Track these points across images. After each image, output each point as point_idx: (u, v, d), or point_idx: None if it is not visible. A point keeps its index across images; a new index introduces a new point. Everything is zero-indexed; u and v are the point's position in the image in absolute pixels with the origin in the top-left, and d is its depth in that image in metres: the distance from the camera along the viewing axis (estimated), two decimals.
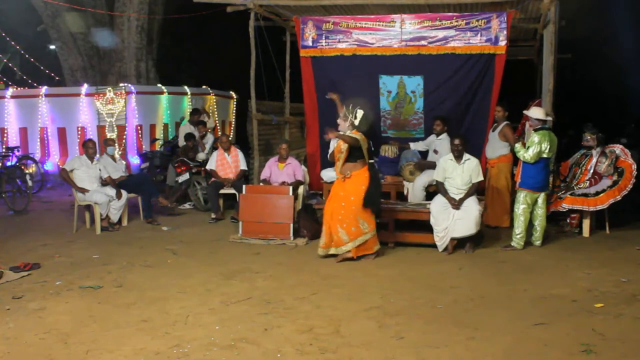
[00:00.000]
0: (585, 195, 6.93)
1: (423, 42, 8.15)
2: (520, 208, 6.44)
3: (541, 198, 6.46)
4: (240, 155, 8.65)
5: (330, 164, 7.95)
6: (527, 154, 6.34)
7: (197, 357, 3.72)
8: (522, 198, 6.44)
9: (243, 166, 8.60)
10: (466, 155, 6.43)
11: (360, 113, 6.14)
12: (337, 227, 5.95)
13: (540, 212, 6.47)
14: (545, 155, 6.34)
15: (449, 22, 8.03)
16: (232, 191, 8.26)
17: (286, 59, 9.79)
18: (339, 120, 6.18)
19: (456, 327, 4.16)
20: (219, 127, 13.44)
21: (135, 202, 8.42)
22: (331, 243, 6.04)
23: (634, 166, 6.95)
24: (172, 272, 5.70)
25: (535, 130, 6.49)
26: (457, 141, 6.43)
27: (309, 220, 7.11)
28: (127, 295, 4.96)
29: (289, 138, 9.52)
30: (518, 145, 6.50)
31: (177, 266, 5.93)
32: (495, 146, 7.42)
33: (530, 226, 6.54)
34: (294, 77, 9.65)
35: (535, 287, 5.09)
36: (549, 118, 6.60)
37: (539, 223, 6.50)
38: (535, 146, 6.31)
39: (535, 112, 6.58)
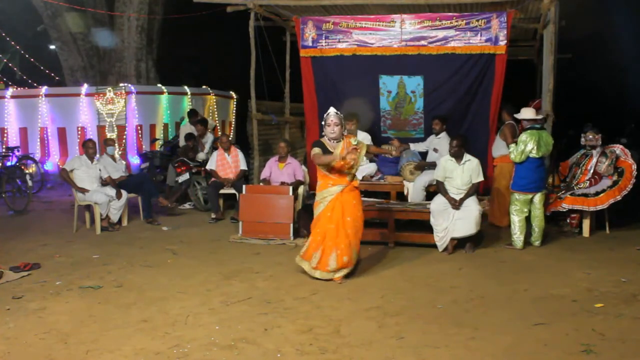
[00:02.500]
0: (585, 195, 6.93)
1: (423, 42, 8.15)
2: (512, 209, 6.47)
3: (537, 198, 6.44)
4: (240, 155, 8.65)
5: None
6: (512, 154, 6.39)
7: (197, 357, 3.72)
8: (514, 199, 6.48)
9: (243, 166, 8.60)
10: (466, 156, 6.41)
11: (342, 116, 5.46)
12: (346, 245, 5.28)
13: (537, 212, 6.46)
14: (533, 155, 6.34)
15: (449, 22, 8.03)
16: (232, 191, 8.26)
17: (286, 59, 9.79)
18: (335, 129, 5.28)
19: (456, 327, 4.15)
20: (219, 127, 13.45)
21: (135, 202, 8.42)
22: (345, 264, 5.30)
23: (634, 166, 6.94)
24: (172, 272, 5.69)
25: (525, 129, 6.53)
26: (455, 142, 6.40)
27: (309, 220, 7.10)
28: (127, 295, 4.96)
29: (289, 138, 9.52)
30: (512, 146, 6.54)
31: (177, 266, 5.93)
32: (497, 145, 7.46)
33: (529, 227, 6.54)
34: (294, 77, 9.65)
35: (535, 287, 5.08)
36: (538, 117, 6.58)
37: (537, 224, 6.49)
38: (520, 145, 6.37)
39: (523, 113, 6.60)
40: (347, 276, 5.35)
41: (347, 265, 5.29)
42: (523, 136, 6.40)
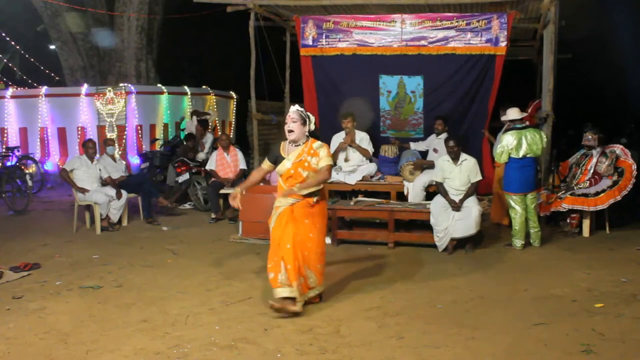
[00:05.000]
0: (585, 195, 6.93)
1: (423, 42, 8.16)
2: (509, 210, 6.51)
3: (528, 200, 6.44)
4: (240, 154, 8.66)
5: None
6: (494, 154, 6.46)
7: (197, 357, 3.72)
8: (506, 199, 6.52)
9: (243, 165, 8.61)
10: (463, 156, 6.40)
11: (312, 116, 4.61)
12: (304, 267, 4.45)
13: (529, 215, 6.45)
14: (513, 156, 6.35)
15: (449, 22, 8.04)
16: (232, 191, 8.25)
17: (286, 59, 9.79)
18: (293, 126, 4.44)
19: (456, 327, 4.15)
20: (219, 127, 13.45)
21: (135, 202, 8.42)
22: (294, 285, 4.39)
23: (634, 166, 6.94)
24: (172, 272, 5.69)
25: (506, 130, 6.60)
26: (451, 143, 6.38)
27: None
28: (127, 295, 4.96)
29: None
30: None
31: (177, 266, 5.93)
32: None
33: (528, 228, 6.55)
34: (294, 77, 9.66)
35: (535, 287, 5.08)
36: (518, 117, 6.53)
37: (530, 226, 6.47)
38: (497, 146, 6.45)
39: (509, 114, 6.60)
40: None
41: (303, 293, 4.44)
42: (503, 137, 6.45)
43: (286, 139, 4.59)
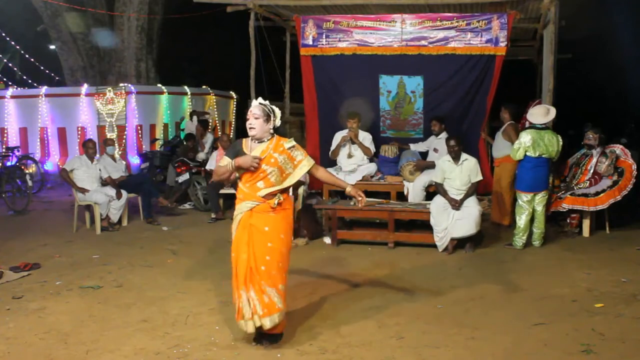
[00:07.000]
0: (585, 195, 6.93)
1: (423, 42, 8.15)
2: (516, 208, 6.53)
3: (537, 199, 6.44)
4: None
5: (331, 163, 7.98)
6: (512, 152, 6.54)
7: (197, 357, 3.72)
8: (517, 197, 6.53)
9: None
10: (464, 156, 6.40)
11: (278, 111, 4.05)
12: (262, 285, 3.79)
13: (536, 214, 6.46)
14: (529, 154, 6.36)
15: (449, 22, 8.03)
16: (232, 191, 8.25)
17: (286, 59, 9.79)
18: (254, 122, 3.89)
19: (456, 327, 4.16)
20: (219, 127, 13.46)
21: (135, 202, 8.42)
22: (255, 311, 3.76)
23: (634, 166, 6.95)
24: (172, 272, 5.69)
25: (525, 128, 6.63)
26: (452, 142, 6.39)
27: (309, 220, 7.11)
28: (127, 295, 4.96)
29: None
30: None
31: (177, 266, 5.93)
32: (499, 146, 7.45)
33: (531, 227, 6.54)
34: (294, 77, 9.66)
35: (535, 287, 5.08)
36: (541, 121, 6.52)
37: (536, 225, 6.48)
38: (516, 143, 6.48)
39: (533, 115, 6.59)
40: (271, 338, 3.89)
41: (267, 314, 3.76)
42: (521, 134, 6.49)
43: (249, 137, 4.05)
